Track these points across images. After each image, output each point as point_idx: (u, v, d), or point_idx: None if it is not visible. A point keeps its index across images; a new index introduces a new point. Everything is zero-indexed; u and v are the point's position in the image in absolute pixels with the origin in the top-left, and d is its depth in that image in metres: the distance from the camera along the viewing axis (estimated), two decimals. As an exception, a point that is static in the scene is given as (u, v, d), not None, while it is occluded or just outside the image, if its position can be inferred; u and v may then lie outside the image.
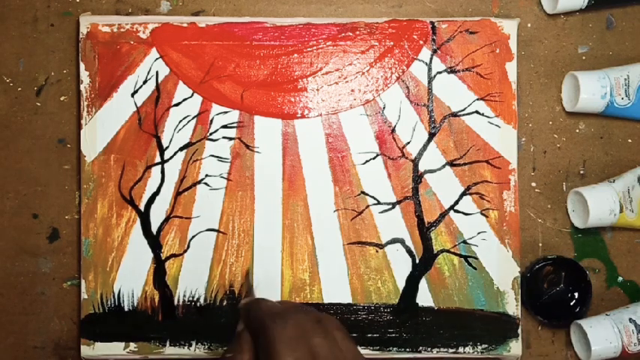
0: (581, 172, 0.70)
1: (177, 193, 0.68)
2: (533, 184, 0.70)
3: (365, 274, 0.68)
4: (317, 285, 0.68)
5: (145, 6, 0.70)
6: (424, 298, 0.68)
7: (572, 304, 0.69)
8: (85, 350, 0.67)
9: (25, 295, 0.69)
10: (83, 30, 0.67)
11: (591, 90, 0.66)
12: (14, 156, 0.69)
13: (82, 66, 0.68)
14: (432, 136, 0.68)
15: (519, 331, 0.67)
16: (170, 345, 0.67)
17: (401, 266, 0.68)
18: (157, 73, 0.68)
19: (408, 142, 0.68)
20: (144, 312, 0.67)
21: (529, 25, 0.70)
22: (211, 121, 0.68)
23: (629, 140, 0.70)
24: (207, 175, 0.68)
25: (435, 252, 0.68)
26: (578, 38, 0.70)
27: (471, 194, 0.68)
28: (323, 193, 0.68)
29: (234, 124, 0.68)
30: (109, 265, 0.67)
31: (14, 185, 0.69)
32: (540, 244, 0.70)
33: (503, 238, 0.68)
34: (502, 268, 0.68)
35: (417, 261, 0.68)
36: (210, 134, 0.68)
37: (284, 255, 0.68)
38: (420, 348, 0.68)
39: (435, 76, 0.68)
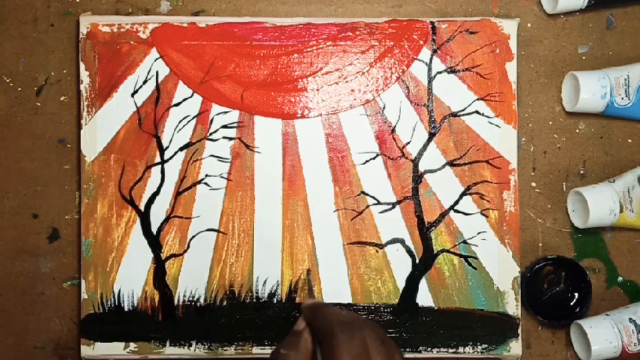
0: (581, 172, 0.70)
1: (177, 193, 0.68)
2: (533, 184, 0.70)
3: (365, 274, 0.68)
4: (317, 285, 0.68)
5: (145, 6, 0.70)
6: (424, 298, 0.68)
7: (572, 304, 0.69)
8: (85, 350, 0.67)
9: (25, 295, 0.69)
10: (83, 30, 0.67)
11: (591, 90, 0.66)
12: (14, 156, 0.69)
13: (82, 66, 0.68)
14: (432, 136, 0.68)
15: (519, 331, 0.67)
16: (170, 345, 0.67)
17: (401, 266, 0.68)
18: (157, 73, 0.68)
19: (408, 142, 0.68)
20: (144, 312, 0.67)
21: (529, 25, 0.70)
22: (211, 121, 0.68)
23: (629, 140, 0.70)
24: (207, 175, 0.68)
25: (435, 252, 0.68)
26: (578, 38, 0.70)
27: (470, 194, 0.68)
28: (323, 193, 0.68)
29: (234, 124, 0.68)
30: (109, 265, 0.67)
31: (14, 185, 0.69)
32: (540, 244, 0.70)
33: (503, 238, 0.68)
34: (502, 268, 0.68)
35: (417, 261, 0.68)
36: (210, 134, 0.68)
37: (284, 255, 0.68)
38: (420, 348, 0.68)
39: (435, 76, 0.68)
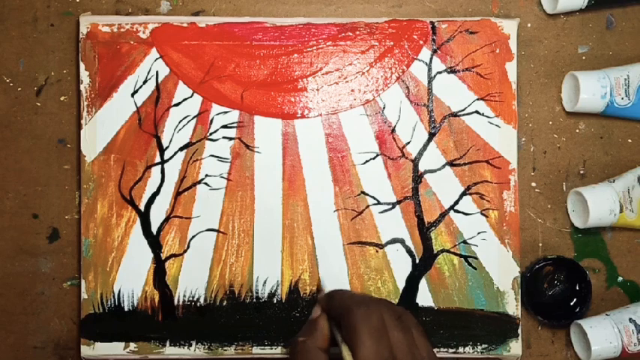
0: (581, 172, 0.70)
1: (177, 193, 0.68)
2: (533, 184, 0.70)
3: (365, 274, 0.68)
4: (317, 285, 0.67)
5: (145, 6, 0.70)
6: (424, 298, 0.68)
7: (572, 304, 0.69)
8: (85, 350, 0.67)
9: (25, 295, 0.69)
10: (83, 30, 0.67)
11: (591, 90, 0.66)
12: (14, 156, 0.69)
13: (82, 66, 0.68)
14: (432, 136, 0.68)
15: (519, 331, 0.67)
16: (170, 345, 0.67)
17: (401, 266, 0.68)
18: (157, 73, 0.68)
19: (408, 142, 0.68)
20: (144, 312, 0.67)
21: (529, 25, 0.70)
22: (211, 121, 0.68)
23: (629, 140, 0.70)
24: (207, 175, 0.68)
25: (435, 252, 0.68)
26: (578, 38, 0.70)
27: (471, 194, 0.68)
28: (323, 193, 0.68)
29: (234, 124, 0.68)
30: (109, 265, 0.67)
31: (14, 185, 0.69)
32: (540, 244, 0.70)
33: (503, 238, 0.68)
34: (502, 268, 0.68)
35: (417, 261, 0.68)
36: (210, 134, 0.68)
37: (284, 255, 0.68)
38: (420, 348, 0.68)
39: (435, 76, 0.68)
